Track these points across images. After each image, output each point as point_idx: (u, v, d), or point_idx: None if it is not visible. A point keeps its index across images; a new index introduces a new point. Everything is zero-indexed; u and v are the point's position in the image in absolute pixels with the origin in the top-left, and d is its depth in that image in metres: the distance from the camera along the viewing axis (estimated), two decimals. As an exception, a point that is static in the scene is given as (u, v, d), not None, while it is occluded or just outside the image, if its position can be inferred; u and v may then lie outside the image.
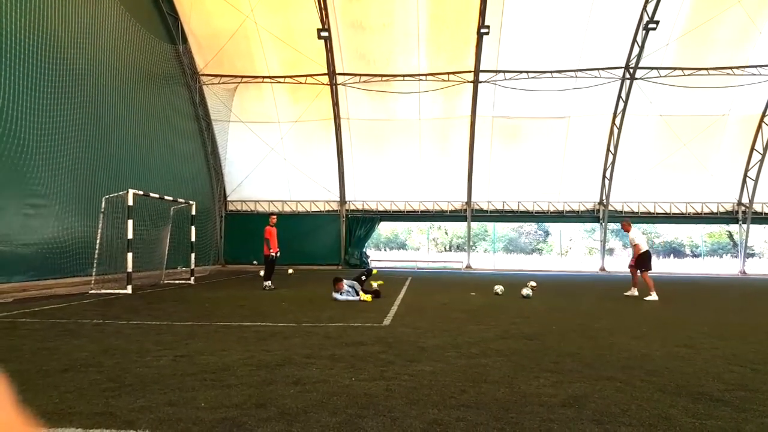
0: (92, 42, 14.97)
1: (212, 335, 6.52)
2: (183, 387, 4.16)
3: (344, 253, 24.32)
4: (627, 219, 13.66)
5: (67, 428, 3.25)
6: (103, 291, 11.96)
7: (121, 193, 13.09)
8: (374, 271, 12.89)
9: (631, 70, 20.65)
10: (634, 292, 12.13)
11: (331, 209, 24.50)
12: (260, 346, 5.86)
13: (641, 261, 11.98)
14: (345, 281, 10.81)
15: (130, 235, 12.45)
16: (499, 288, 12.47)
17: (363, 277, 11.32)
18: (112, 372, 4.62)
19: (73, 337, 6.32)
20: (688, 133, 21.63)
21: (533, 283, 13.20)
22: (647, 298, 11.30)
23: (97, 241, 12.83)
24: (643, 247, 12.01)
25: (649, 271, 11.97)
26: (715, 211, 23.24)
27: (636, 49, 20.07)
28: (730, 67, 20.20)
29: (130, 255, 12.44)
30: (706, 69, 20.24)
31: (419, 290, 13.47)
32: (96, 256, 12.86)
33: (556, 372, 4.75)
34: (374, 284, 12.16)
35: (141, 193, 13.26)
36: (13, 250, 11.98)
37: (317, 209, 24.56)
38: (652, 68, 20.61)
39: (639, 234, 12.25)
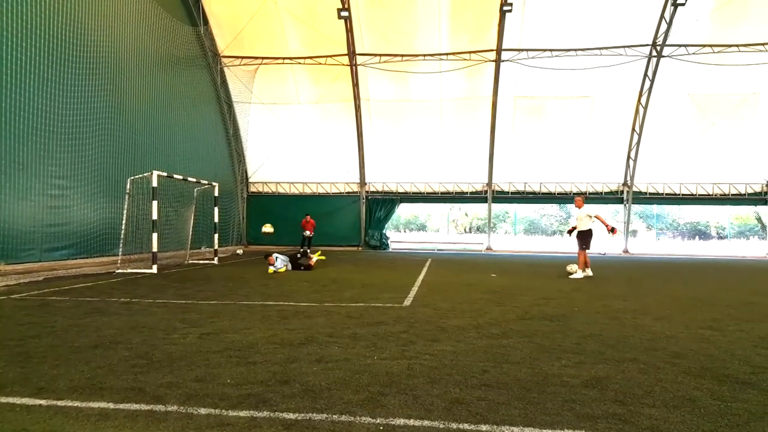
0: (115, 25, 15.08)
1: (236, 314, 6.63)
2: (209, 364, 4.26)
3: (364, 235, 24.40)
4: (581, 196, 13.61)
5: (98, 402, 3.36)
6: (129, 270, 12.21)
7: (145, 174, 13.28)
8: (317, 254, 14.50)
9: (658, 48, 20.09)
10: (589, 272, 12.13)
11: (351, 191, 24.53)
12: (283, 324, 5.94)
13: (585, 238, 12.16)
14: (278, 255, 12.64)
15: (155, 216, 12.65)
16: (572, 267, 12.55)
17: (298, 255, 13.30)
18: (140, 349, 4.74)
19: (102, 315, 6.49)
20: (717, 112, 21.09)
21: (575, 267, 12.94)
22: (574, 276, 11.91)
23: (123, 222, 13.07)
24: (591, 225, 12.25)
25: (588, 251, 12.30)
26: (743, 192, 22.71)
27: (663, 26, 19.50)
28: (762, 44, 19.53)
29: (155, 235, 12.65)
30: (737, 46, 19.61)
31: (439, 271, 13.48)
32: (122, 236, 13.12)
33: (578, 353, 4.74)
34: (314, 257, 13.92)
35: (165, 174, 13.43)
36: (42, 230, 12.28)
37: (337, 191, 24.62)
38: (680, 45, 20.01)
39: (591, 212, 12.40)
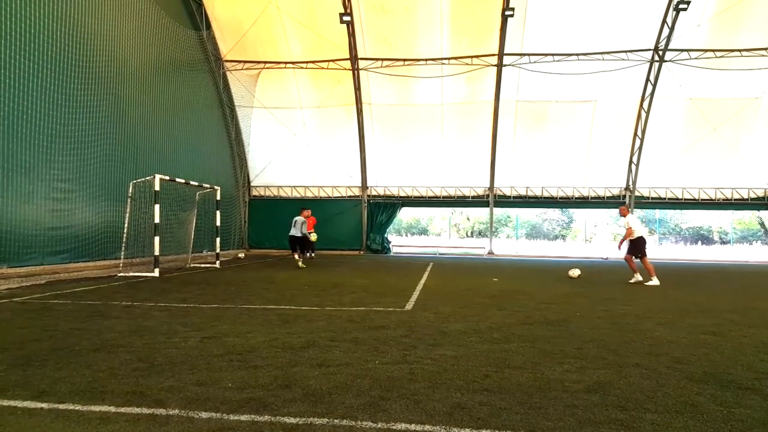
0: (117, 29, 15.12)
1: (238, 317, 6.63)
2: (210, 368, 4.25)
3: (366, 239, 24.39)
4: (626, 204, 13.65)
5: (99, 406, 3.35)
6: (131, 274, 12.22)
7: (147, 178, 13.31)
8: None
9: (660, 53, 20.11)
10: (638, 277, 12.06)
11: (352, 195, 24.54)
12: (285, 328, 5.94)
13: (637, 247, 12.05)
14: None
15: (157, 220, 12.66)
16: (574, 272, 12.70)
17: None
18: (141, 352, 4.74)
19: (103, 318, 6.49)
20: (719, 117, 21.05)
21: (578, 271, 13.13)
22: (649, 283, 11.54)
23: (125, 226, 13.09)
24: (638, 233, 12.10)
25: (647, 257, 12.13)
26: (745, 196, 22.67)
27: (666, 31, 19.52)
28: (765, 49, 19.52)
29: (157, 239, 12.66)
30: (739, 50, 19.61)
31: (441, 276, 13.47)
32: (124, 240, 13.14)
33: (580, 358, 4.73)
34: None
35: (167, 178, 13.44)
36: (44, 233, 12.30)
37: (339, 195, 24.63)
38: (682, 50, 20.03)
39: (635, 219, 12.37)
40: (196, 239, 16.85)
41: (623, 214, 12.48)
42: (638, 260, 12.17)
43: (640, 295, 9.81)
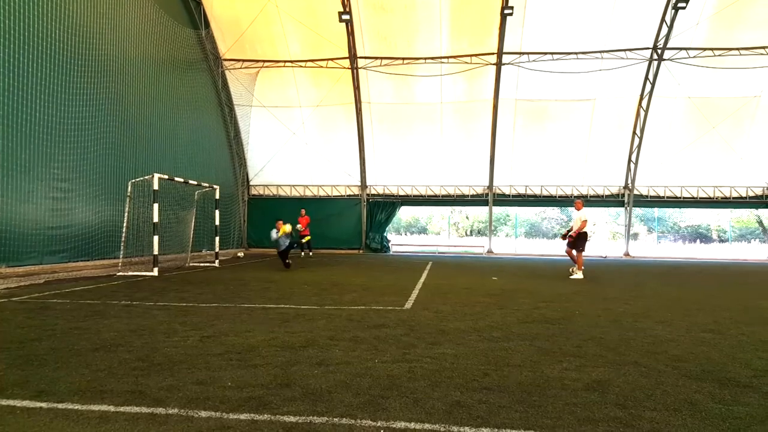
0: (116, 28, 15.08)
1: (237, 316, 6.63)
2: (210, 366, 4.26)
3: (365, 238, 24.38)
4: (580, 199, 14.11)
5: (98, 405, 3.36)
6: (130, 273, 12.22)
7: (146, 177, 13.30)
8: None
9: (659, 51, 20.11)
10: (579, 274, 12.54)
11: (352, 193, 24.53)
12: (284, 327, 5.94)
13: (580, 241, 12.56)
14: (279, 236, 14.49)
15: (155, 219, 12.65)
16: (574, 271, 12.97)
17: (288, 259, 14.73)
18: (141, 351, 4.74)
19: (102, 318, 6.49)
20: (717, 115, 21.06)
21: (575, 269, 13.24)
22: (572, 277, 12.42)
23: (124, 225, 13.09)
24: (586, 228, 12.66)
25: (583, 253, 12.80)
26: (743, 195, 22.69)
27: (664, 29, 19.52)
28: (763, 47, 19.54)
29: (156, 238, 12.66)
30: (738, 49, 19.62)
31: (440, 274, 13.47)
32: (123, 239, 13.13)
33: (579, 356, 4.73)
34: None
35: (166, 177, 13.42)
36: (43, 232, 12.27)
37: (338, 193, 24.61)
38: (680, 49, 20.03)
39: (588, 215, 12.85)
40: (196, 238, 16.84)
41: (578, 208, 12.93)
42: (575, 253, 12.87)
43: (639, 293, 9.82)
